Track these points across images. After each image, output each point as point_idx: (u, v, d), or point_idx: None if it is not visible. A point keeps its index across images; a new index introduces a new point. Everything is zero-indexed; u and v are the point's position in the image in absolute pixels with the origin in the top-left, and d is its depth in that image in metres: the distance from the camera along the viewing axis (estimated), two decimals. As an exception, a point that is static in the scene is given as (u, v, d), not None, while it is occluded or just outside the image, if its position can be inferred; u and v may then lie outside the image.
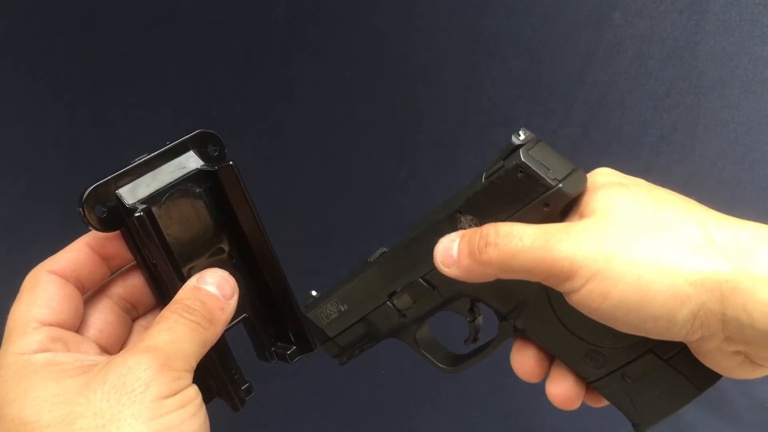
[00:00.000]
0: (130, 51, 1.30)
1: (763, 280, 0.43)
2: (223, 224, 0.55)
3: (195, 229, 0.54)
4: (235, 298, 0.52)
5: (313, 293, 0.63)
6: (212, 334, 0.49)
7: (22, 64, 1.32)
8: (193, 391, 0.46)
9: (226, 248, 0.56)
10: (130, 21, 1.30)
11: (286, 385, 1.16)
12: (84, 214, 0.50)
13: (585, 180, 0.51)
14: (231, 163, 0.55)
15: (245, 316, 0.57)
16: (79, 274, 0.52)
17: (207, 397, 0.50)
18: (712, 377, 0.51)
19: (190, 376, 0.47)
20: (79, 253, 0.52)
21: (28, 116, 1.33)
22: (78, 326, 0.52)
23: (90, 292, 0.54)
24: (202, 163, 0.55)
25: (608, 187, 0.50)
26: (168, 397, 0.44)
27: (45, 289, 0.50)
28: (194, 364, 0.47)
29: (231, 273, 0.52)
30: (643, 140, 1.22)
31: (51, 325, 0.49)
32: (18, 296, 0.50)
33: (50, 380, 0.45)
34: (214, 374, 0.53)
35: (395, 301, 0.59)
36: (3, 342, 0.49)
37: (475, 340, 0.61)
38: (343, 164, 1.30)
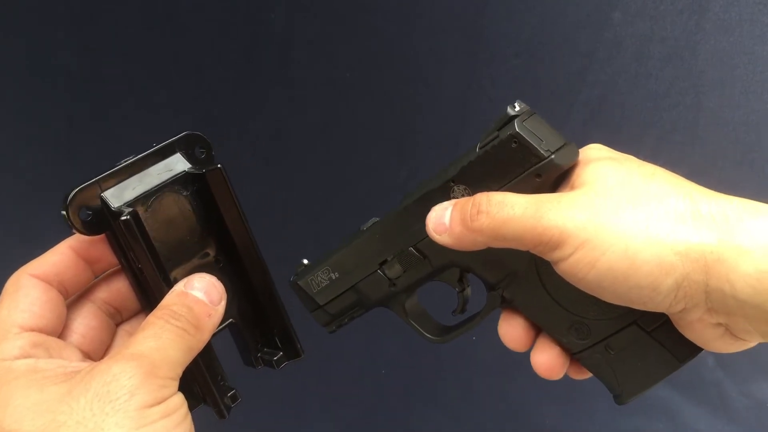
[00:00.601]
0: (130, 51, 1.30)
1: (747, 252, 0.44)
2: (210, 228, 0.54)
3: (181, 232, 0.53)
4: (223, 303, 0.51)
5: (305, 261, 0.63)
6: (199, 340, 0.48)
7: (22, 64, 1.32)
8: (179, 400, 0.45)
9: (213, 252, 0.55)
10: (130, 21, 1.30)
11: (286, 385, 1.16)
12: (68, 217, 0.49)
13: (577, 153, 0.52)
14: (219, 165, 0.53)
15: (231, 321, 0.56)
16: (63, 278, 0.51)
17: (192, 404, 0.49)
18: (693, 350, 0.52)
19: (175, 384, 0.46)
20: (62, 256, 0.51)
21: (28, 116, 1.33)
22: (60, 331, 0.50)
23: (73, 297, 0.52)
24: (189, 165, 0.53)
25: (599, 161, 0.51)
26: (153, 405, 0.43)
27: (27, 294, 0.49)
28: (180, 372, 0.47)
29: (217, 277, 0.51)
30: (643, 140, 1.22)
31: (33, 330, 0.48)
32: None
33: (32, 387, 0.44)
34: (200, 380, 0.52)
35: (386, 270, 0.59)
36: None
37: (463, 310, 0.62)
38: (343, 164, 1.30)
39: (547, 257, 0.49)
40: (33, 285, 0.49)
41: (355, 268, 0.60)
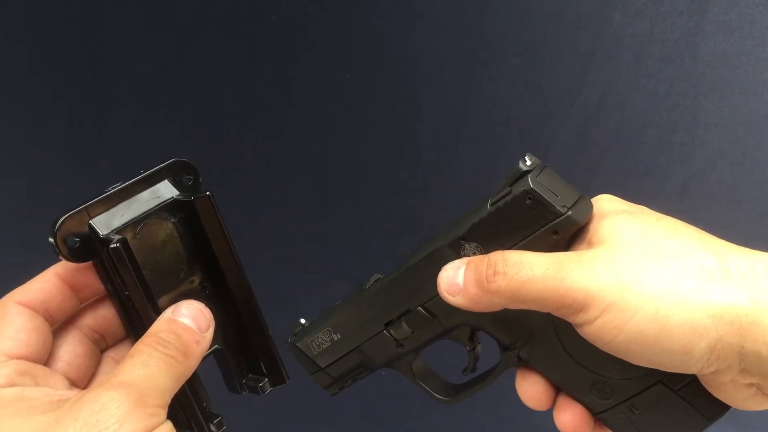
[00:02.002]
0: (130, 51, 1.30)
1: None
2: (197, 254, 0.54)
3: (169, 259, 0.53)
4: (211, 330, 0.50)
5: (302, 321, 0.61)
6: (187, 368, 0.48)
7: (22, 64, 1.32)
8: (168, 428, 0.45)
9: (199, 279, 0.55)
10: (130, 21, 1.30)
11: (286, 385, 1.16)
12: (56, 244, 0.49)
13: (592, 207, 0.50)
14: (208, 193, 0.53)
15: (216, 348, 0.56)
16: (49, 305, 0.50)
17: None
18: (722, 408, 0.50)
19: (164, 412, 0.45)
20: (48, 284, 0.51)
21: (28, 116, 1.33)
22: (46, 359, 0.50)
23: (59, 324, 0.52)
24: (177, 192, 0.53)
25: (615, 215, 0.49)
26: None
27: (13, 321, 0.48)
28: (168, 400, 0.46)
29: (204, 304, 0.51)
30: (643, 140, 1.21)
31: (19, 358, 0.48)
32: None
33: (19, 416, 0.44)
34: (186, 407, 0.51)
35: (392, 331, 0.57)
36: None
37: (474, 369, 0.59)
38: (343, 164, 1.30)
39: (570, 320, 0.47)
40: (19, 312, 0.49)
41: (359, 328, 0.58)
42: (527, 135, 1.25)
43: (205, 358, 0.53)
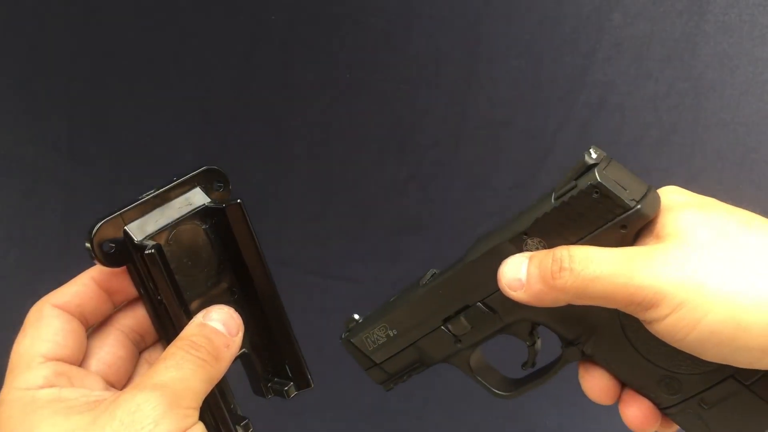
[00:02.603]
0: (129, 51, 1.30)
1: None
2: (226, 260, 0.56)
3: (199, 264, 0.55)
4: (240, 334, 0.52)
5: (356, 317, 0.61)
6: (218, 371, 0.49)
7: (22, 64, 1.32)
8: (200, 429, 0.46)
9: (228, 283, 0.56)
10: (130, 21, 1.30)
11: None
12: (92, 249, 0.50)
13: (660, 200, 0.49)
14: (239, 201, 0.55)
15: (243, 351, 0.57)
16: (84, 308, 0.52)
17: None
18: None
19: (197, 414, 0.47)
20: (84, 287, 0.52)
21: (28, 116, 1.33)
22: (81, 360, 0.51)
23: (99, 324, 0.53)
24: (208, 199, 0.55)
25: (683, 208, 0.48)
26: None
27: (49, 324, 0.50)
28: (200, 402, 0.47)
29: (233, 308, 0.53)
30: (643, 141, 1.22)
31: (56, 360, 0.49)
32: (22, 330, 0.50)
33: (57, 416, 0.45)
34: (215, 410, 0.53)
35: (450, 326, 0.56)
36: (7, 376, 0.48)
37: (533, 364, 0.59)
38: (343, 164, 1.30)
39: (639, 316, 0.46)
40: (55, 315, 0.50)
41: (416, 324, 0.58)
42: (527, 135, 1.25)
43: (233, 362, 0.54)
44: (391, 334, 0.59)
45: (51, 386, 0.47)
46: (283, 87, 1.29)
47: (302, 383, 0.58)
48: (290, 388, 0.58)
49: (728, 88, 1.20)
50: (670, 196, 0.50)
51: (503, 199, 1.24)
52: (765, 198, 1.19)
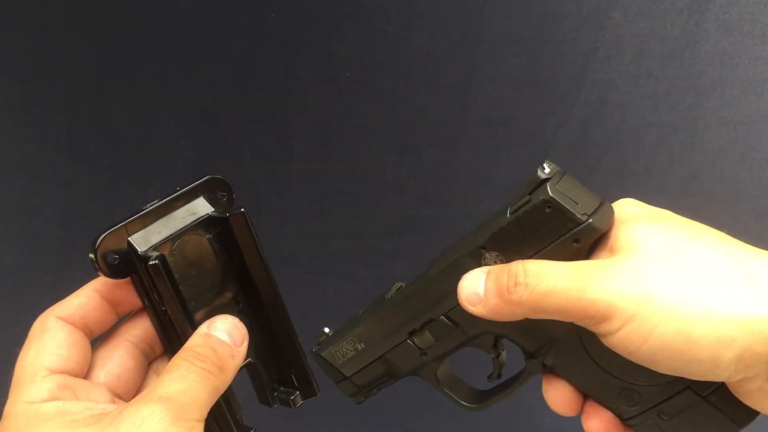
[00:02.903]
0: (129, 51, 1.30)
1: None
2: (231, 269, 0.56)
3: (203, 274, 0.54)
4: (245, 344, 0.51)
5: (326, 330, 0.61)
6: (223, 381, 0.49)
7: (22, 64, 1.32)
8: None
9: (233, 293, 0.56)
10: (130, 21, 1.30)
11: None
12: (96, 260, 0.50)
13: (613, 213, 0.49)
14: (243, 210, 0.54)
15: (249, 361, 0.56)
16: (88, 320, 0.51)
17: None
18: (751, 414, 0.49)
19: (201, 426, 0.46)
20: (88, 299, 0.52)
21: (28, 116, 1.33)
22: (86, 373, 0.51)
23: (107, 335, 0.53)
24: (212, 209, 0.55)
25: (636, 220, 0.48)
26: None
27: (53, 336, 0.50)
28: (205, 413, 0.47)
29: (238, 318, 0.52)
30: (643, 140, 1.21)
31: (60, 372, 0.49)
32: (26, 342, 0.50)
33: (61, 430, 0.45)
34: (221, 420, 0.52)
35: (416, 339, 0.57)
36: (12, 389, 0.48)
37: (499, 376, 0.59)
38: (343, 164, 1.30)
39: (593, 329, 0.46)
40: (59, 327, 0.50)
41: (382, 338, 0.58)
42: (527, 135, 1.25)
43: (238, 372, 0.54)
44: (359, 348, 0.59)
45: (55, 399, 0.47)
46: (282, 87, 1.29)
47: (308, 392, 0.58)
48: (296, 397, 0.58)
49: (728, 87, 1.20)
50: (626, 209, 0.50)
51: (503, 199, 1.23)
52: (765, 197, 1.19)
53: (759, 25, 1.18)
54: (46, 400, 0.47)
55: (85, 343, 0.51)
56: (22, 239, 1.27)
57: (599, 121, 1.23)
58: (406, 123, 1.29)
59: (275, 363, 0.58)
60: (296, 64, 1.29)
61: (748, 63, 1.19)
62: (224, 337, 0.50)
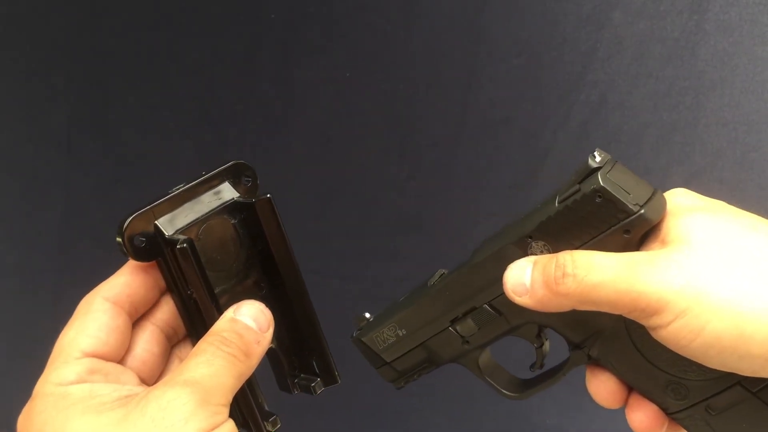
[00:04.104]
0: (130, 51, 1.30)
1: None
2: (255, 254, 0.55)
3: (228, 258, 0.54)
4: (271, 330, 0.51)
5: (367, 315, 0.61)
6: (248, 367, 0.49)
7: (22, 63, 1.32)
8: (230, 426, 0.46)
9: (256, 278, 0.56)
10: (130, 21, 1.30)
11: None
12: (123, 243, 0.50)
13: (665, 204, 0.48)
14: (269, 195, 0.55)
15: (271, 347, 0.56)
16: (134, 298, 0.51)
17: None
18: None
19: (227, 411, 0.46)
20: (132, 276, 0.52)
21: (28, 116, 1.33)
22: (122, 357, 0.51)
23: (137, 320, 0.53)
24: (237, 194, 0.55)
25: (689, 212, 0.47)
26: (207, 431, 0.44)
27: (96, 318, 0.49)
28: (230, 398, 0.47)
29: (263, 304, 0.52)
30: (643, 140, 1.21)
31: (95, 356, 0.49)
32: (70, 321, 0.50)
33: (89, 413, 0.45)
34: (244, 406, 0.52)
35: (458, 327, 0.56)
36: (46, 367, 0.48)
37: (542, 366, 0.58)
38: (343, 164, 1.30)
39: (643, 322, 0.45)
40: (104, 310, 0.50)
41: (424, 325, 0.57)
42: (527, 135, 1.25)
43: None
44: (401, 334, 0.59)
45: (83, 382, 0.47)
46: (282, 87, 1.29)
47: (329, 380, 0.58)
48: (317, 384, 0.58)
49: (728, 87, 1.20)
50: (677, 199, 0.49)
51: (503, 199, 1.24)
52: (765, 197, 1.19)
53: (759, 26, 1.18)
54: (73, 383, 0.47)
55: (126, 328, 0.51)
56: (23, 239, 1.27)
57: (599, 120, 1.23)
58: (406, 123, 1.29)
59: (297, 350, 0.58)
60: (296, 64, 1.29)
61: (748, 63, 1.20)
62: (250, 323, 0.50)
